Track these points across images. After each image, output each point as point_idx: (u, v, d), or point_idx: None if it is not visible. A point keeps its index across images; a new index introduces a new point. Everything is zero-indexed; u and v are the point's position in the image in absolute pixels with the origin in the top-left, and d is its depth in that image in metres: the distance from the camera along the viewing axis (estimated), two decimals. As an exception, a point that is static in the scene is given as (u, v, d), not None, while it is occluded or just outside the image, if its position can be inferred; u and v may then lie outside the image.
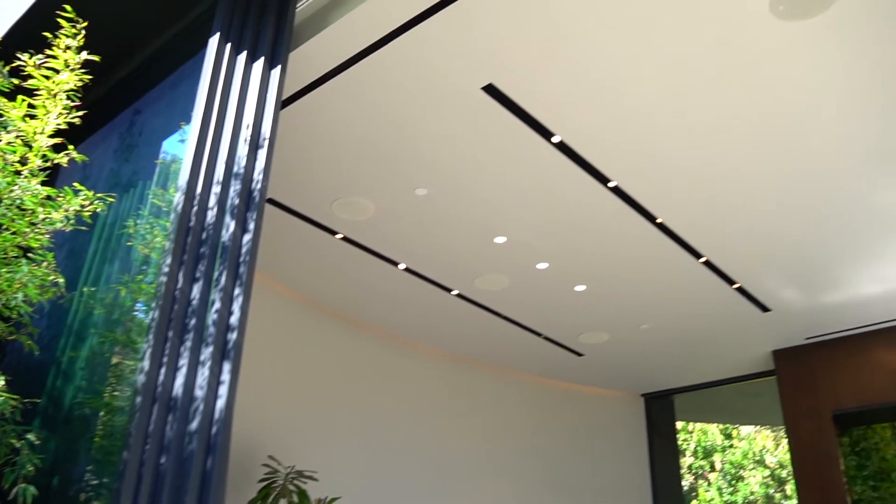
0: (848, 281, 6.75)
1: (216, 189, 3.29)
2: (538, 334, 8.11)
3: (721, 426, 18.09)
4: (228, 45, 3.63)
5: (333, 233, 5.99)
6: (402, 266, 6.53)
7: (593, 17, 3.80)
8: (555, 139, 4.75)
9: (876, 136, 4.71)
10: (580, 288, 6.93)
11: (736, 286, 6.82)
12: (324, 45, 3.98)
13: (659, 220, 5.70)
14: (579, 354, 8.73)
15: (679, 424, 16.01)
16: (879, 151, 4.87)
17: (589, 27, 3.87)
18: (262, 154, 3.35)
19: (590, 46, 4.00)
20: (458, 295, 7.11)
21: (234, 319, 2.98)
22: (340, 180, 5.30)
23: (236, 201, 3.23)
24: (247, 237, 3.18)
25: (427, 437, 8.10)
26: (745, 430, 18.14)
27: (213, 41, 3.63)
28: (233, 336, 2.94)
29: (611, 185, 5.23)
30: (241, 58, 3.62)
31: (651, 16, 3.79)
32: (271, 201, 5.56)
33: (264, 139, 3.39)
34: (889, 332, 7.75)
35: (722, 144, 4.83)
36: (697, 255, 6.24)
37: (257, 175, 3.31)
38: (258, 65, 3.60)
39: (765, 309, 7.35)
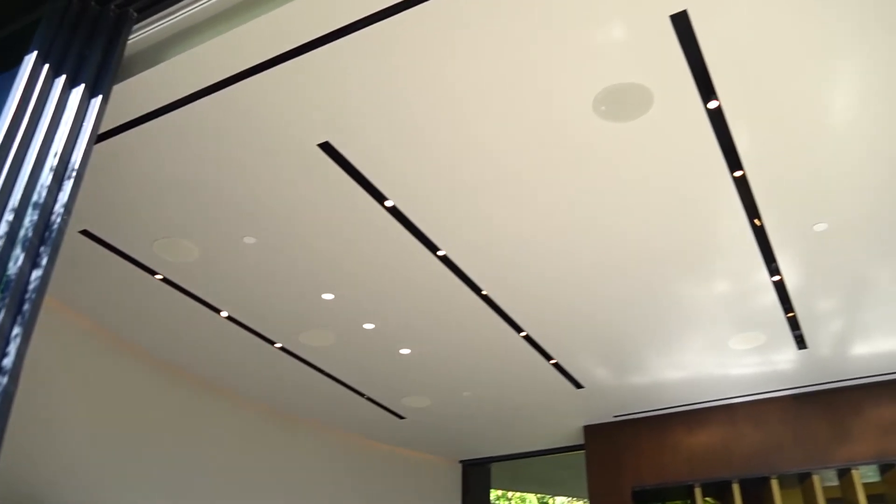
0: (652, 365, 7.21)
1: (8, 217, 3.02)
2: (361, 394, 8.02)
3: (539, 495, 18.52)
4: (46, 66, 3.40)
5: (153, 272, 5.68)
6: (224, 314, 6.28)
7: (430, 91, 3.91)
8: (388, 203, 4.80)
9: (678, 235, 5.12)
10: (405, 351, 6.95)
11: (553, 362, 7.10)
12: (157, 80, 3.83)
13: (484, 293, 5.86)
14: (401, 417, 8.71)
15: (499, 491, 16.26)
16: (679, 250, 5.29)
17: (426, 99, 3.96)
18: (67, 186, 3.13)
19: (426, 120, 4.09)
20: (282, 348, 6.92)
21: (6, 362, 2.71)
22: (164, 220, 5.05)
23: (30, 233, 2.98)
24: (36, 273, 2.93)
25: (238, 490, 7.72)
26: (560, 500, 18.67)
27: (29, 59, 3.39)
28: (3, 380, 2.67)
29: (440, 253, 5.33)
30: (60, 81, 3.40)
31: (482, 101, 3.94)
32: (87, 234, 5.21)
33: (72, 171, 3.17)
34: (686, 415, 8.33)
35: (547, 232, 5.07)
36: (518, 329, 6.45)
37: (59, 208, 3.08)
38: (77, 91, 3.38)
39: (578, 385, 7.69)
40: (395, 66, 3.74)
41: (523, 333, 6.52)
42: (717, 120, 4.06)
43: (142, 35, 3.71)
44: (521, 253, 5.35)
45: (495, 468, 10.61)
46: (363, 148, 4.33)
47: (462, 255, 5.39)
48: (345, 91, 3.90)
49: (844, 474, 7.55)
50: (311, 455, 8.81)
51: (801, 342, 6.66)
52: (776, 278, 5.59)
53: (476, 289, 5.80)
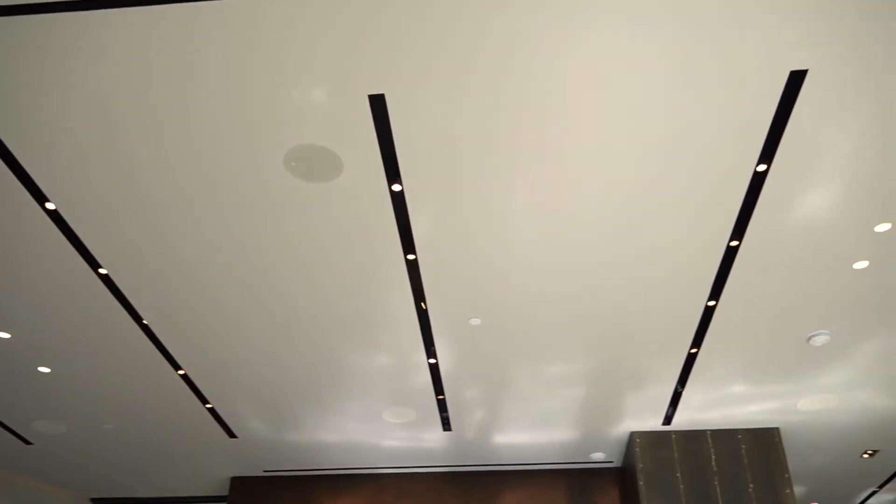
0: (309, 425, 7.24)
1: None
2: (-18, 410, 7.05)
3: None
4: None
5: None
6: None
7: (121, 102, 3.66)
8: (49, 206, 4.36)
9: (349, 303, 5.27)
10: (44, 370, 6.25)
11: (209, 406, 6.83)
12: None
13: (144, 322, 5.50)
14: (28, 443, 7.77)
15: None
16: (348, 318, 5.44)
17: (114, 108, 3.70)
18: None
19: (108, 129, 3.81)
20: None
21: None
22: None
23: None
24: None
25: None
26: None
27: None
28: None
29: (101, 271, 4.93)
30: None
31: (178, 123, 3.79)
32: None
33: None
34: (335, 478, 8.49)
35: (220, 272, 4.92)
36: (177, 367, 6.13)
37: None
38: None
39: (232, 435, 7.46)
40: (84, 65, 3.46)
41: (181, 372, 6.21)
42: (399, 202, 4.30)
43: None
44: (191, 289, 5.13)
45: (131, 510, 9.85)
46: (30, 141, 3.90)
47: (126, 278, 5.02)
48: (16, 78, 3.52)
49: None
50: None
51: (446, 424, 7.13)
52: (432, 361, 5.96)
53: (136, 316, 5.43)
